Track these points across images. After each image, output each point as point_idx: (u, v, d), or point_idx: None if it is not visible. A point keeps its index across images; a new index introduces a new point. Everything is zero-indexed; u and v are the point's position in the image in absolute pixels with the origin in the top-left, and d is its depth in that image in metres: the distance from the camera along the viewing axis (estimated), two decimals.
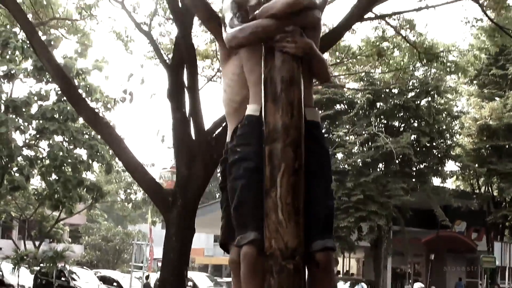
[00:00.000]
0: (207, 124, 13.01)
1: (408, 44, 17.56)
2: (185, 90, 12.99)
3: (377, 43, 18.19)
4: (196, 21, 13.22)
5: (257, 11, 3.64)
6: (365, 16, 14.23)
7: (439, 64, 19.32)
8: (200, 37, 18.24)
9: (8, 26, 21.75)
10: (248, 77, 3.91)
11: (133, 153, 12.78)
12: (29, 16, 16.23)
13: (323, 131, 4.02)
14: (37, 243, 40.30)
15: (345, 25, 12.52)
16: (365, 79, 29.99)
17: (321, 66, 3.88)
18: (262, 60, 3.64)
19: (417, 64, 21.16)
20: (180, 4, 12.76)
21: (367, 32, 18.85)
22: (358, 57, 19.28)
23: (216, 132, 12.88)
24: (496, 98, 36.98)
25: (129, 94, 17.88)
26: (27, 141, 26.62)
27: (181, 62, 12.88)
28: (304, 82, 3.66)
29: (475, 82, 38.61)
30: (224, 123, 12.89)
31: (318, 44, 3.84)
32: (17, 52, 23.48)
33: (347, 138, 32.90)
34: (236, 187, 3.69)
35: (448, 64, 20.01)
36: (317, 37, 3.89)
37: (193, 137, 12.78)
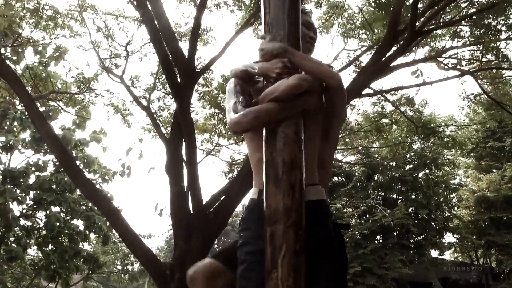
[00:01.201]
0: (206, 198, 13.01)
1: (406, 119, 17.70)
2: (184, 164, 12.99)
3: (376, 119, 18.31)
4: (194, 96, 13.31)
5: (260, 96, 3.64)
6: (364, 92, 14.37)
7: (437, 139, 19.40)
8: (199, 111, 18.38)
9: (7, 97, 21.88)
10: (251, 157, 3.92)
11: (130, 225, 12.69)
12: (28, 88, 16.36)
13: (328, 208, 3.97)
14: None
15: None
16: (363, 152, 30.14)
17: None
18: (264, 142, 3.63)
19: (415, 138, 21.25)
20: (178, 79, 12.88)
21: (366, 107, 19.03)
22: (357, 131, 19.42)
23: (214, 206, 12.86)
24: (494, 170, 37.01)
25: (127, 169, 17.93)
26: (24, 211, 26.54)
27: (180, 136, 12.94)
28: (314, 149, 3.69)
29: (472, 154, 38.70)
30: (222, 197, 12.92)
31: (319, 125, 3.86)
32: (15, 123, 23.59)
33: (345, 210, 32.89)
34: (239, 272, 3.70)
35: (446, 139, 20.09)
36: (318, 120, 3.89)
37: (191, 211, 12.73)
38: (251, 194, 3.86)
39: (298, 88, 3.53)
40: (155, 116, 16.65)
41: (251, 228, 3.76)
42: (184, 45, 15.51)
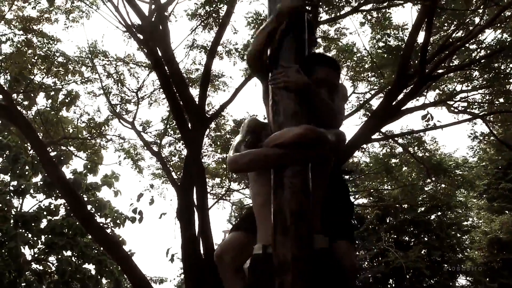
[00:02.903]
0: (217, 242, 13.00)
1: (416, 160, 17.68)
2: (195, 209, 12.99)
3: (386, 160, 18.30)
4: (206, 141, 13.37)
5: (266, 140, 3.66)
6: (373, 136, 14.39)
7: (447, 179, 19.33)
8: (210, 155, 18.42)
9: (19, 142, 21.99)
10: (253, 198, 3.94)
11: (141, 270, 12.68)
12: (40, 134, 16.46)
13: (333, 255, 3.97)
14: None
15: (354, 145, 12.63)
16: (374, 194, 30.01)
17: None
18: (272, 191, 3.63)
19: (427, 180, 21.17)
20: (189, 125, 12.94)
21: (376, 149, 19.01)
22: (367, 173, 19.39)
23: None
24: (506, 212, 36.77)
25: (139, 214, 17.95)
26: (35, 255, 26.49)
27: (191, 181, 12.95)
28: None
29: (484, 196, 38.51)
30: None
31: (324, 177, 3.86)
32: (27, 167, 23.65)
33: (357, 254, 32.69)
34: None
35: (456, 179, 20.02)
36: (324, 172, 3.89)
37: (203, 256, 12.69)
38: (255, 249, 3.86)
39: (304, 138, 3.53)
40: (166, 161, 16.71)
41: (259, 281, 3.74)
42: (195, 91, 15.62)
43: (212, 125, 17.09)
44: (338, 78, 4.41)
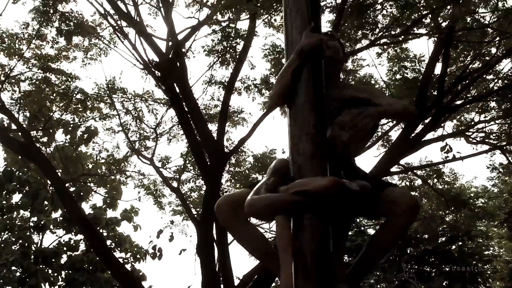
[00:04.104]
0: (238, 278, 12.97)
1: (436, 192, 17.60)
2: (215, 245, 12.97)
3: None
4: (225, 176, 13.40)
5: (289, 185, 3.63)
6: (392, 169, 14.35)
7: (467, 210, 19.20)
8: (230, 191, 18.39)
9: (38, 178, 22.07)
10: (277, 241, 3.86)
11: None
12: (59, 170, 16.53)
13: None
14: None
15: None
16: None
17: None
18: (292, 233, 3.62)
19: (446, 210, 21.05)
20: (208, 161, 12.97)
21: (395, 182, 18.92)
22: None
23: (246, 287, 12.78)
24: None
25: (158, 251, 17.95)
26: None
27: (210, 217, 12.93)
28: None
29: (505, 225, 38.16)
30: (254, 278, 12.84)
31: (349, 228, 3.85)
32: (46, 203, 23.70)
33: (378, 286, 32.46)
34: None
35: (476, 209, 19.88)
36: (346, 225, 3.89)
37: None
38: None
39: (329, 190, 3.50)
40: (185, 197, 16.72)
41: None
42: (214, 127, 15.65)
43: (232, 160, 17.11)
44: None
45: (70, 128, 18.79)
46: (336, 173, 3.71)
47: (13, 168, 22.44)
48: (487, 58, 14.26)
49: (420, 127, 13.31)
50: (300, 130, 3.74)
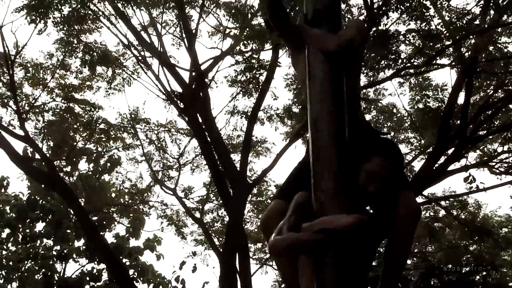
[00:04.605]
0: None
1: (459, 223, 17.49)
2: (237, 276, 12.94)
3: (429, 223, 18.10)
4: (248, 206, 13.41)
5: (312, 222, 3.58)
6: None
7: (491, 240, 19.03)
8: (253, 221, 18.39)
9: (61, 206, 22.16)
10: (300, 279, 3.84)
11: None
12: (82, 200, 16.61)
13: None
14: None
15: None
16: (418, 255, 29.60)
17: None
18: (314, 272, 3.57)
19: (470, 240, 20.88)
20: (231, 192, 12.98)
21: None
22: None
23: None
24: None
25: (181, 283, 17.93)
26: None
27: (233, 248, 12.92)
28: None
29: None
30: None
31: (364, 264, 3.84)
32: (69, 231, 23.75)
33: None
34: None
35: (501, 240, 19.71)
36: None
37: None
38: None
39: (354, 226, 3.46)
40: (208, 227, 16.72)
41: None
42: (237, 157, 15.66)
43: (254, 190, 17.09)
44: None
45: (93, 157, 18.88)
46: (359, 208, 3.69)
47: (36, 197, 22.55)
48: (511, 87, 14.20)
49: (443, 158, 13.26)
50: (322, 167, 3.72)
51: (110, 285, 23.82)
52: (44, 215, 23.22)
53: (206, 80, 14.35)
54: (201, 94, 13.65)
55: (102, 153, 18.67)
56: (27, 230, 23.62)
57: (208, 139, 13.21)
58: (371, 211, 3.86)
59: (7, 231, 23.64)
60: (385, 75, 13.98)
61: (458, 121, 13.37)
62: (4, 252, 23.76)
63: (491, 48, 13.76)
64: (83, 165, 18.99)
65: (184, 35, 14.08)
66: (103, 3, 13.88)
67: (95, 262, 24.68)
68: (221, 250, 13.82)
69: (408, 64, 13.48)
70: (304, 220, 3.70)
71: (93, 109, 17.08)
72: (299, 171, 4.19)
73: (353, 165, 3.75)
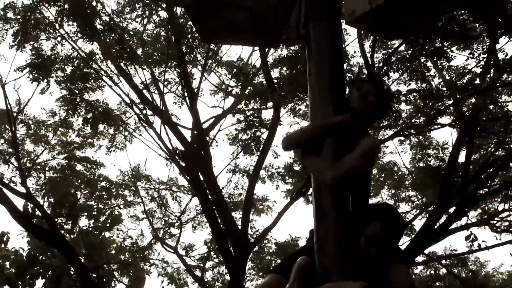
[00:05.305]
0: None
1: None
2: None
3: (430, 283, 18.01)
4: (248, 264, 13.35)
5: None
6: (417, 259, 14.24)
7: None
8: (254, 279, 18.30)
9: (61, 262, 22.04)
10: None
11: None
12: (82, 257, 16.54)
13: None
14: None
15: None
16: None
17: None
18: None
19: None
20: (232, 250, 12.94)
21: (418, 271, 18.75)
22: None
23: None
24: None
25: None
26: None
27: None
28: None
29: None
30: None
31: None
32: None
33: None
34: None
35: None
36: None
37: None
38: None
39: None
40: (208, 286, 16.63)
41: None
42: (239, 215, 15.65)
43: (255, 247, 17.04)
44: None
45: (94, 214, 18.85)
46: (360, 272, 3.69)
47: (36, 253, 22.44)
48: (511, 146, 14.25)
49: (445, 216, 13.25)
50: (325, 231, 3.74)
51: None
52: (44, 271, 23.05)
53: (207, 138, 14.40)
54: (202, 152, 13.67)
55: (103, 210, 18.63)
56: (27, 287, 23.43)
57: (210, 197, 13.20)
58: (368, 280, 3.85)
59: (6, 287, 23.45)
60: (386, 134, 14.06)
61: (459, 180, 13.38)
62: None
63: (491, 107, 13.86)
64: (84, 222, 18.96)
65: (186, 94, 14.15)
66: (105, 62, 13.97)
67: None
68: None
69: (409, 124, 13.55)
70: (307, 285, 3.71)
71: (94, 167, 17.11)
72: (299, 252, 4.21)
73: (355, 230, 3.77)
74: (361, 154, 3.63)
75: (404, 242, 16.31)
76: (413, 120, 13.78)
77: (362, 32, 11.94)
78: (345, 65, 12.43)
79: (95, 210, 18.82)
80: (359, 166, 3.63)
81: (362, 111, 3.88)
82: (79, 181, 17.43)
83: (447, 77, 13.60)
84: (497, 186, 14.74)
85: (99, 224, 19.42)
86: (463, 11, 10.62)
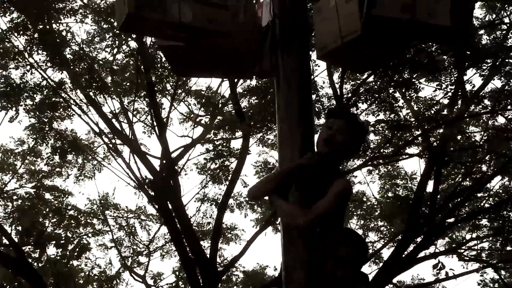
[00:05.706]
0: None
1: None
2: None
3: None
4: None
5: None
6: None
7: None
8: None
9: None
10: None
11: None
12: (50, 287, 16.39)
13: None
14: None
15: None
16: None
17: None
18: None
19: None
20: (200, 280, 12.90)
21: None
22: None
23: None
24: None
25: None
26: None
27: None
28: None
29: None
30: None
31: None
32: None
33: None
34: None
35: None
36: None
37: None
38: None
39: None
40: None
41: None
42: (207, 244, 15.63)
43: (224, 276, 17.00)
44: None
45: (62, 241, 18.71)
46: None
47: (4, 283, 22.19)
48: (478, 176, 14.40)
49: (412, 245, 13.32)
50: (293, 258, 3.78)
51: None
52: None
53: (176, 167, 14.39)
54: (171, 181, 13.65)
55: (71, 238, 18.50)
56: None
57: (178, 226, 13.17)
58: None
59: None
60: (355, 164, 14.14)
61: (427, 209, 13.49)
62: None
63: (459, 137, 14.02)
64: (52, 250, 18.80)
65: (155, 123, 14.15)
66: (74, 91, 13.94)
67: None
68: None
69: (378, 154, 13.66)
70: None
71: (62, 196, 17.02)
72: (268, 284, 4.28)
73: (322, 255, 3.80)
74: (334, 197, 3.65)
75: (372, 270, 16.41)
76: (381, 150, 13.91)
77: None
78: (314, 96, 12.54)
79: (63, 238, 18.68)
80: (332, 209, 3.66)
81: (329, 153, 3.89)
82: (47, 209, 17.31)
83: (415, 108, 13.76)
84: (465, 215, 14.87)
85: (67, 253, 19.28)
86: (431, 43, 10.75)
